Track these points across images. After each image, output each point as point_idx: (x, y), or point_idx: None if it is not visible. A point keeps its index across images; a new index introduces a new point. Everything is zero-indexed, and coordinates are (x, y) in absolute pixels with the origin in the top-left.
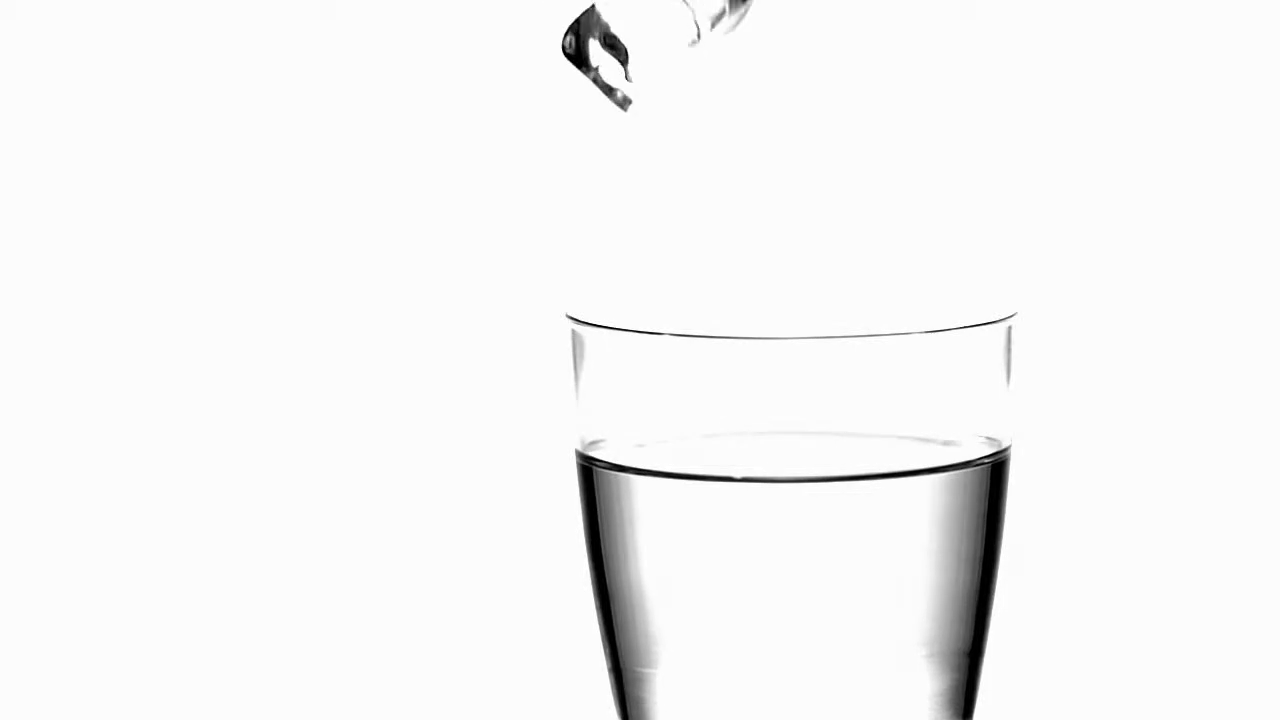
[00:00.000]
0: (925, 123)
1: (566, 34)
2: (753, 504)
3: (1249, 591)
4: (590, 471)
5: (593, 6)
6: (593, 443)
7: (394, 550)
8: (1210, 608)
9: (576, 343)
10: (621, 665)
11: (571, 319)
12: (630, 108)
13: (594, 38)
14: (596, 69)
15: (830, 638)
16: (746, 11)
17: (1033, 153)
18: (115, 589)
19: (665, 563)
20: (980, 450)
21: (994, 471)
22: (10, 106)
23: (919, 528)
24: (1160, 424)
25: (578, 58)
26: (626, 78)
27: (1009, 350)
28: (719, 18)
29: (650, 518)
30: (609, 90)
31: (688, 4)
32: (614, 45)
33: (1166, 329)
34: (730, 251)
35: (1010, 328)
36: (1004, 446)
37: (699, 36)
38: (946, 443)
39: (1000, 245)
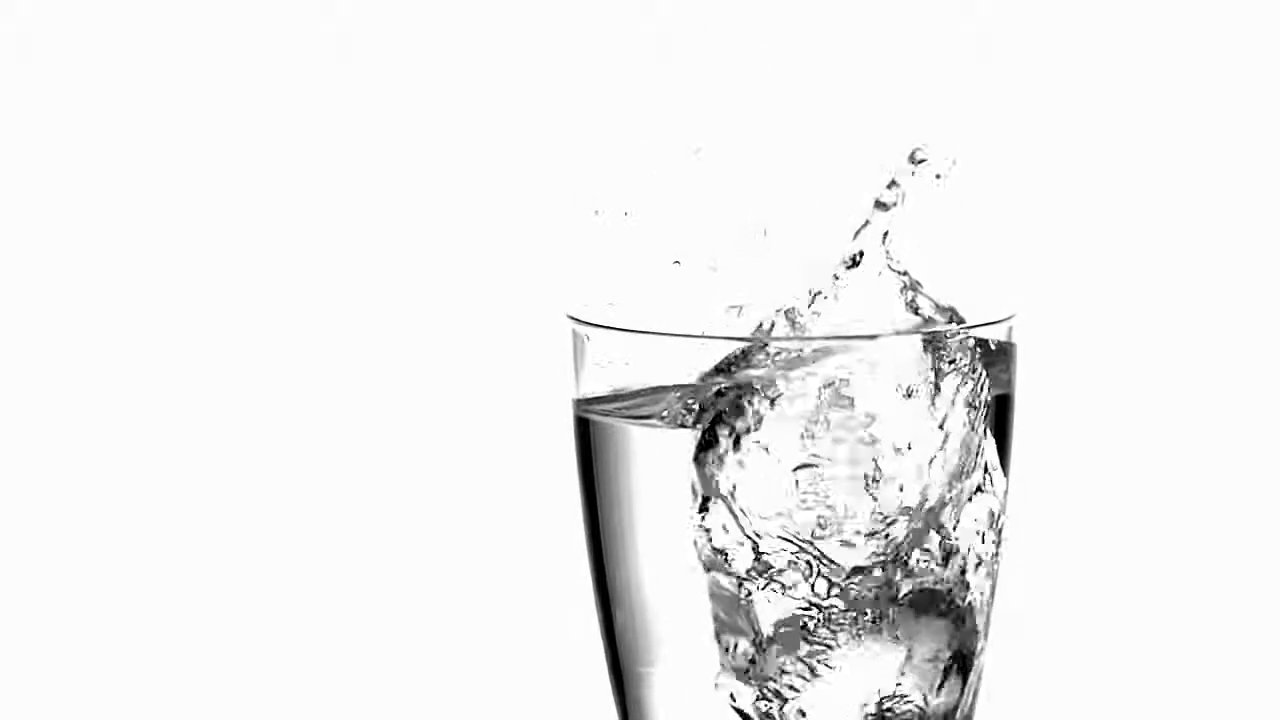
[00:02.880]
0: (924, 123)
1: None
2: None
3: (1250, 600)
4: (586, 423)
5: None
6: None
7: (391, 554)
8: (1212, 615)
9: (577, 343)
10: (621, 665)
11: (571, 319)
12: None
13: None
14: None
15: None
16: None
17: (1032, 152)
18: (108, 589)
19: (663, 528)
20: None
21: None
22: (10, 106)
23: None
24: (1162, 424)
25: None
26: None
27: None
28: None
29: (648, 470)
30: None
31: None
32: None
33: (1167, 329)
34: (731, 251)
35: (1010, 328)
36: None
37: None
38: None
39: (1000, 245)
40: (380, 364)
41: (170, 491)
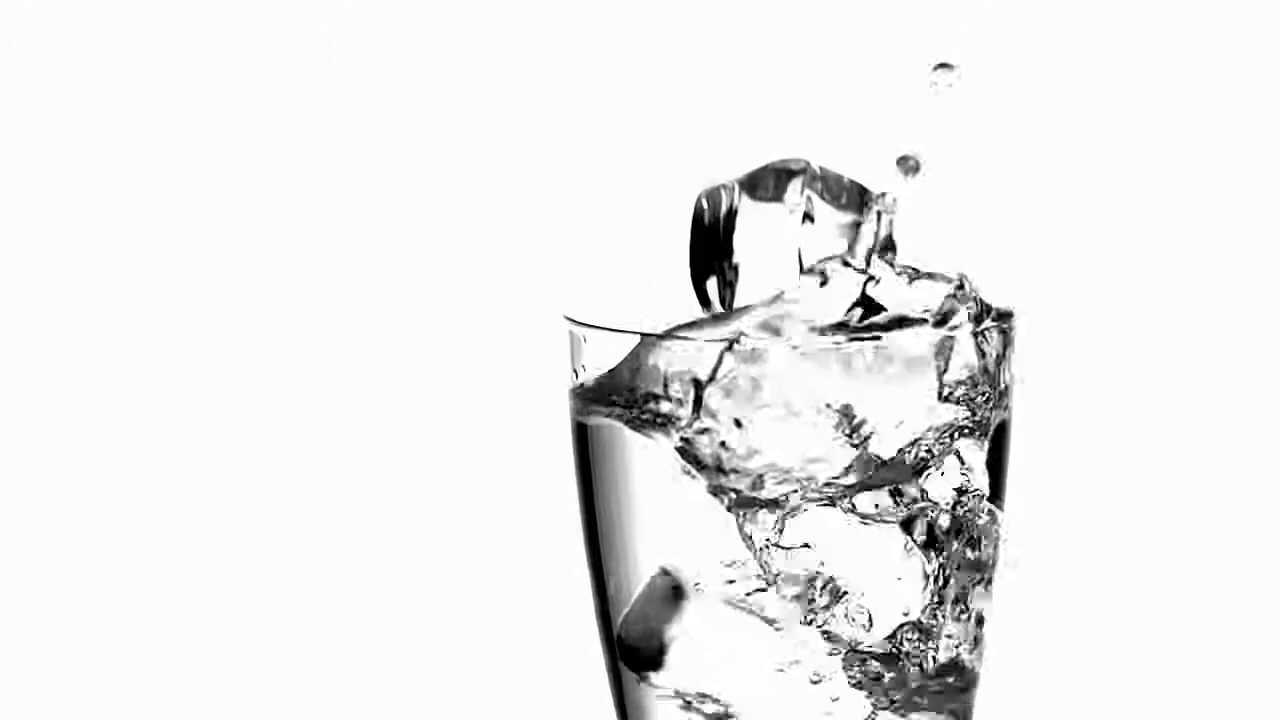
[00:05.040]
0: (924, 122)
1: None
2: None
3: (1252, 602)
4: (584, 430)
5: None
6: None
7: (391, 558)
8: (1212, 613)
9: (575, 343)
10: (621, 668)
11: (570, 319)
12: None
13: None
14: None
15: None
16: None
17: (1032, 152)
18: (108, 589)
19: (662, 534)
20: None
21: (993, 473)
22: (10, 107)
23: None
24: (1162, 424)
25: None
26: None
27: (1009, 350)
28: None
29: (646, 477)
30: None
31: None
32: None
33: (1167, 329)
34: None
35: (1010, 327)
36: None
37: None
38: None
39: (1000, 245)
40: (379, 365)
41: (168, 489)
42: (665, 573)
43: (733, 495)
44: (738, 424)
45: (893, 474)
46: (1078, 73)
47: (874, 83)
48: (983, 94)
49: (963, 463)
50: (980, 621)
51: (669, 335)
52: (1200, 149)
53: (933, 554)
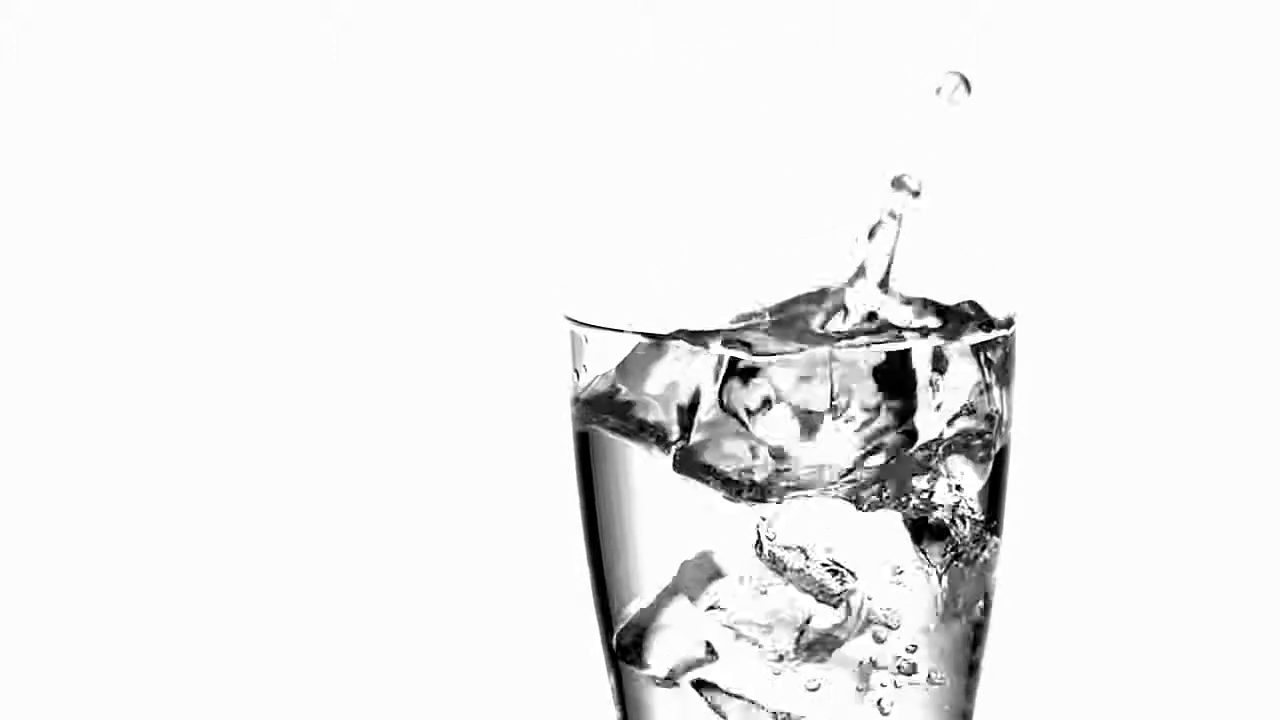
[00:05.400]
0: (923, 123)
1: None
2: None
3: (1251, 602)
4: (587, 437)
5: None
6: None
7: (391, 559)
8: (1211, 612)
9: (576, 343)
10: (622, 665)
11: (570, 319)
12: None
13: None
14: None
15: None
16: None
17: (1032, 152)
18: (108, 590)
19: (663, 541)
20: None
21: (993, 475)
22: (10, 107)
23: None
24: (1162, 426)
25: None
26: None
27: (1009, 351)
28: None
29: (648, 487)
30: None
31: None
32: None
33: (1167, 330)
34: (731, 253)
35: (1011, 328)
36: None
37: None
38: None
39: (1000, 246)
40: (378, 365)
41: (168, 491)
42: (691, 561)
43: (739, 500)
44: (738, 430)
45: (893, 475)
46: (1078, 77)
47: (873, 85)
48: (982, 98)
49: (951, 476)
50: (979, 627)
51: (669, 337)
52: (1202, 155)
53: (932, 561)
